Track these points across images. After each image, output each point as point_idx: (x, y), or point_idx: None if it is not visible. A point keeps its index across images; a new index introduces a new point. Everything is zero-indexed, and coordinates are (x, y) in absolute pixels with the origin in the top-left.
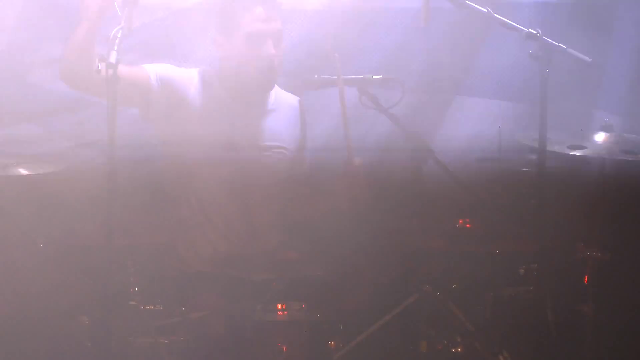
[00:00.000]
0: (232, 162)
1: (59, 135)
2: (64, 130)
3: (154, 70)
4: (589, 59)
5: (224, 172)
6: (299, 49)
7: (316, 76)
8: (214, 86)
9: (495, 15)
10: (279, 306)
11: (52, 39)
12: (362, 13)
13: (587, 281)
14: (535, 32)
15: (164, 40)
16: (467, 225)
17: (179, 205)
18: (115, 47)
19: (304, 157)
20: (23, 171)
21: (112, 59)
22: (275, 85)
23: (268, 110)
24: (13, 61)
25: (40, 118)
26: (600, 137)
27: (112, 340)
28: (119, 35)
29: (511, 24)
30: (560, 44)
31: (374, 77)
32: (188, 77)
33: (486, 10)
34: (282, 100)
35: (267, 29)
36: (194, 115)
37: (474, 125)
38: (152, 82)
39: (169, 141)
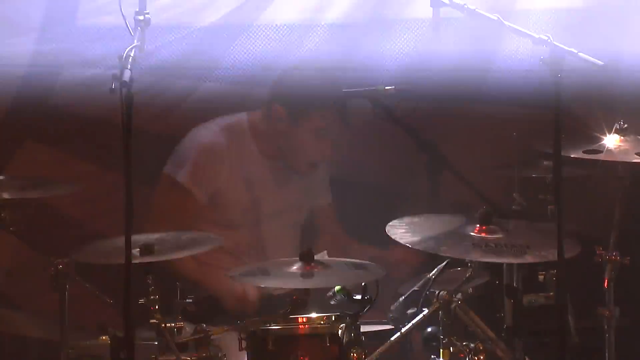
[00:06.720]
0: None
1: (80, 157)
2: (84, 152)
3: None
4: (601, 62)
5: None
6: (315, 63)
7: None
8: (245, 140)
9: (506, 22)
10: (300, 319)
11: (74, 63)
12: (373, 25)
13: (607, 285)
14: (546, 38)
15: (184, 60)
16: (483, 234)
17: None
18: (129, 66)
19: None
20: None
21: (126, 77)
22: None
23: None
24: (35, 84)
25: (61, 141)
26: (615, 140)
27: (135, 358)
28: (132, 54)
29: (522, 30)
30: (571, 49)
31: (386, 88)
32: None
33: (496, 18)
34: None
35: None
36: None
37: (488, 132)
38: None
39: None
